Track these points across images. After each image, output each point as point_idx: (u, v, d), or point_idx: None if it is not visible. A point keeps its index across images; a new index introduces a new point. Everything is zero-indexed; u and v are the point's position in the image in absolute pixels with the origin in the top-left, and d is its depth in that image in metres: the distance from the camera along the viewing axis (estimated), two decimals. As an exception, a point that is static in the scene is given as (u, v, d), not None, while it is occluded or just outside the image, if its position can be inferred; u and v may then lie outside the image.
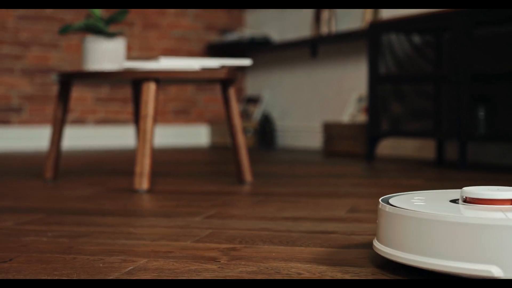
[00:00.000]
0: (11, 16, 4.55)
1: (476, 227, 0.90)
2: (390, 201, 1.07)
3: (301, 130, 4.69)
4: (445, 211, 0.95)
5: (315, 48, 4.52)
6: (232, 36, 4.93)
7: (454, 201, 1.06)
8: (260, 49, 4.81)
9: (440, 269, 0.92)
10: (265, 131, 4.76)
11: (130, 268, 1.05)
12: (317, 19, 4.36)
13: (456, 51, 2.84)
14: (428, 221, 0.94)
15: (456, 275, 0.91)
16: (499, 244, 0.88)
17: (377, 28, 3.24)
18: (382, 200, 1.09)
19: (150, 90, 2.19)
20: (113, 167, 3.04)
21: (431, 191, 1.19)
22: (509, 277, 0.87)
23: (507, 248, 0.87)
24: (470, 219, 0.90)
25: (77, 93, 4.76)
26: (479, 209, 0.97)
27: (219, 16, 5.22)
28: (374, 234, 1.33)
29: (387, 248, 1.01)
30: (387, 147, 3.87)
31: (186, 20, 5.10)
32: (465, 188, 1.03)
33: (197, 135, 5.16)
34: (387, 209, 1.02)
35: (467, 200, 1.02)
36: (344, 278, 0.98)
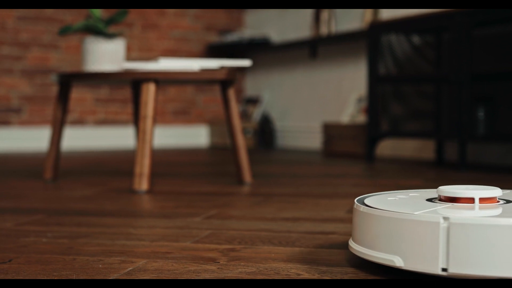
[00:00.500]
0: (11, 16, 4.55)
1: (429, 223, 0.93)
2: (365, 201, 1.09)
3: (300, 131, 4.69)
4: (406, 210, 0.98)
5: (314, 49, 4.53)
6: (231, 37, 4.93)
7: (431, 200, 1.08)
8: (259, 49, 4.81)
9: (380, 261, 0.98)
10: (264, 132, 4.76)
11: (129, 268, 1.05)
12: (317, 19, 4.36)
13: (456, 51, 2.84)
14: (387, 219, 0.98)
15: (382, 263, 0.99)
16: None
17: (376, 29, 3.24)
18: (357, 200, 1.11)
19: (149, 90, 2.19)
20: (113, 167, 3.04)
21: (413, 191, 1.21)
22: (412, 269, 0.93)
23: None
24: (418, 216, 0.94)
25: (77, 93, 4.76)
26: (451, 207, 0.99)
27: (218, 16, 5.22)
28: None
29: (359, 247, 1.04)
30: (386, 147, 3.87)
31: (185, 20, 5.11)
32: (440, 187, 1.05)
33: (196, 136, 5.16)
34: (361, 209, 1.04)
35: (441, 199, 1.05)
36: (343, 278, 0.98)
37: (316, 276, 0.99)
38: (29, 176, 2.65)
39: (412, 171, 2.80)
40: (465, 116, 2.80)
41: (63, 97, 2.49)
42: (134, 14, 4.91)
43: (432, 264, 0.92)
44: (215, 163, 3.28)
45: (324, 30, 4.31)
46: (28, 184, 2.34)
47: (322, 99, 4.49)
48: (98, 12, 2.43)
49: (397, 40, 3.20)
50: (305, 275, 1.00)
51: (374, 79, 3.25)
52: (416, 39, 3.19)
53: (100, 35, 2.40)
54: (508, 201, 1.06)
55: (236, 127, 2.36)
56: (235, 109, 2.37)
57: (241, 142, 2.36)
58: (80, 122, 4.77)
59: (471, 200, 1.01)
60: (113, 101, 4.87)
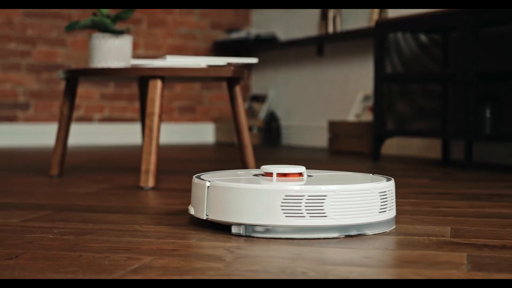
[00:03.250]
0: (17, 12, 4.56)
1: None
2: (202, 176, 1.46)
3: (306, 129, 4.68)
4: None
5: (321, 47, 4.52)
6: (238, 34, 4.93)
7: (257, 175, 1.45)
8: (266, 47, 4.81)
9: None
10: (270, 129, 4.76)
11: (135, 266, 1.05)
12: (324, 18, 4.35)
13: (463, 50, 2.83)
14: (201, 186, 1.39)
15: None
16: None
17: (383, 27, 3.24)
18: (196, 176, 1.46)
19: (156, 87, 2.19)
20: (119, 164, 3.05)
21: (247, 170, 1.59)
22: (196, 216, 1.39)
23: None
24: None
25: (84, 90, 4.77)
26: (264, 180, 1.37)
27: (225, 14, 5.22)
28: (381, 234, 1.34)
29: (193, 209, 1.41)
30: (392, 146, 3.87)
31: (192, 18, 5.11)
32: (263, 166, 1.42)
33: (203, 133, 5.16)
34: (195, 181, 1.41)
35: (264, 174, 1.43)
36: (349, 278, 0.98)
37: (321, 275, 0.99)
38: (35, 172, 2.66)
39: (418, 170, 2.79)
40: (472, 115, 2.80)
41: (70, 94, 2.50)
42: (141, 11, 4.91)
43: (201, 212, 1.37)
44: (221, 160, 3.29)
45: (330, 28, 4.31)
46: (34, 180, 2.34)
47: (328, 97, 4.49)
48: (105, 9, 2.44)
49: (403, 39, 3.20)
50: (311, 274, 1.00)
51: (381, 78, 3.25)
52: (422, 37, 3.18)
53: (107, 31, 2.40)
54: (310, 176, 1.44)
55: (242, 124, 2.36)
56: (241, 106, 2.37)
57: (248, 140, 2.36)
58: (86, 118, 4.78)
59: (282, 174, 1.39)
60: (119, 98, 4.88)
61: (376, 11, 3.97)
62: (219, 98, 5.23)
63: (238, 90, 2.37)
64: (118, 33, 2.40)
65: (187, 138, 5.11)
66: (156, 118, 2.17)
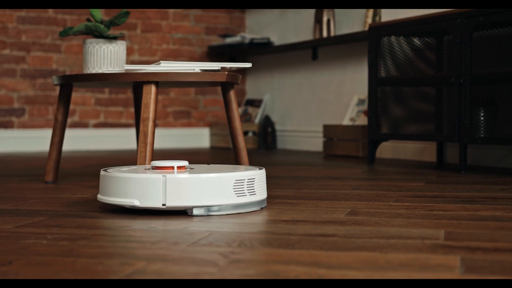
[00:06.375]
0: (12, 18, 4.55)
1: (129, 179, 1.65)
2: (109, 170, 1.76)
3: (301, 133, 4.69)
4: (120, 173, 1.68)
5: (315, 51, 4.53)
6: (233, 39, 4.94)
7: (148, 169, 1.75)
8: (260, 52, 4.82)
9: (119, 203, 1.67)
10: (266, 134, 4.77)
11: (129, 271, 1.05)
12: (318, 22, 4.36)
13: (457, 53, 2.84)
14: (112, 177, 1.70)
15: (125, 205, 1.66)
16: (140, 188, 1.64)
17: (377, 31, 3.24)
18: (103, 169, 1.76)
19: (150, 93, 2.19)
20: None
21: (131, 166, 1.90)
22: (145, 207, 1.63)
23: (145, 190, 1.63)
24: (123, 174, 1.67)
25: (79, 95, 4.77)
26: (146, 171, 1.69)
27: (220, 19, 5.23)
28: (375, 237, 1.34)
29: (101, 196, 1.71)
30: (387, 149, 3.87)
31: (187, 23, 5.11)
32: (153, 162, 1.75)
33: (198, 138, 5.16)
34: (101, 173, 1.73)
35: (154, 168, 1.75)
36: (343, 278, 0.98)
37: (315, 279, 0.99)
38: (30, 178, 2.66)
39: (412, 173, 2.80)
40: (466, 118, 2.80)
41: (64, 99, 2.50)
42: (135, 16, 4.91)
43: (156, 202, 1.62)
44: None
45: (324, 32, 4.31)
46: (29, 186, 2.34)
47: (323, 101, 4.49)
48: (99, 15, 2.44)
49: (397, 43, 3.21)
50: (305, 278, 1.00)
51: (375, 82, 3.25)
52: (416, 41, 3.19)
53: (101, 37, 2.40)
54: (191, 168, 1.77)
55: (237, 129, 2.37)
56: (236, 111, 2.37)
57: (242, 144, 2.37)
58: (81, 124, 4.78)
59: (166, 167, 1.72)
60: (114, 103, 4.88)
61: (370, 16, 3.98)
62: (214, 103, 5.23)
63: (232, 94, 2.37)
64: (112, 38, 2.40)
65: (183, 143, 5.11)
66: (150, 123, 2.17)
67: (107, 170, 1.74)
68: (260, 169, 1.74)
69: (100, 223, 1.52)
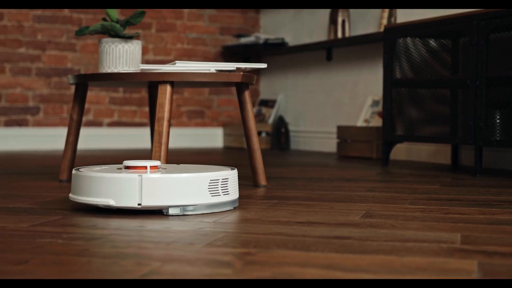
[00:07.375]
0: (28, 17, 4.57)
1: (104, 179, 1.66)
2: (81, 169, 1.77)
3: (315, 132, 4.68)
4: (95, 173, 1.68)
5: (330, 52, 4.52)
6: (247, 39, 4.94)
7: (120, 169, 1.76)
8: (275, 52, 4.81)
9: (93, 203, 1.67)
10: (279, 134, 4.76)
11: (144, 271, 1.05)
12: (333, 23, 4.35)
13: (473, 55, 2.82)
14: (85, 177, 1.70)
15: (100, 205, 1.67)
16: (114, 187, 1.64)
17: (392, 32, 3.23)
18: (75, 168, 1.77)
19: (165, 92, 2.20)
20: (128, 169, 3.05)
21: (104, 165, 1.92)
22: (120, 206, 1.63)
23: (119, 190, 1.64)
24: (98, 174, 1.67)
25: (93, 94, 4.78)
26: (120, 171, 1.70)
27: (234, 19, 5.23)
28: (391, 240, 1.33)
29: (74, 196, 1.72)
30: (401, 151, 3.86)
31: (201, 23, 5.11)
32: (125, 161, 1.74)
33: (211, 138, 5.16)
34: (73, 172, 1.74)
35: (126, 167, 1.74)
36: (357, 278, 0.97)
37: (331, 278, 0.99)
38: (45, 176, 2.67)
39: (427, 175, 2.78)
40: (481, 121, 2.78)
41: (79, 98, 2.51)
42: (150, 16, 4.92)
43: (132, 202, 1.63)
44: (230, 165, 3.28)
45: (339, 33, 4.30)
46: (44, 185, 2.35)
47: (337, 102, 4.48)
48: (115, 14, 2.44)
49: (413, 44, 3.19)
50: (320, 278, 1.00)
51: (390, 83, 3.24)
52: (432, 43, 3.18)
53: (116, 36, 2.41)
54: (164, 168, 1.79)
55: (251, 129, 2.36)
56: (250, 112, 2.37)
57: (256, 145, 2.36)
58: (96, 123, 4.79)
59: (139, 167, 1.73)
60: (129, 102, 4.89)
61: (385, 17, 3.97)
62: (228, 103, 5.23)
63: (247, 95, 2.37)
64: (127, 38, 2.41)
65: (196, 143, 5.11)
66: (165, 123, 2.17)
67: (80, 170, 1.75)
68: (232, 169, 1.77)
69: (115, 223, 1.53)
